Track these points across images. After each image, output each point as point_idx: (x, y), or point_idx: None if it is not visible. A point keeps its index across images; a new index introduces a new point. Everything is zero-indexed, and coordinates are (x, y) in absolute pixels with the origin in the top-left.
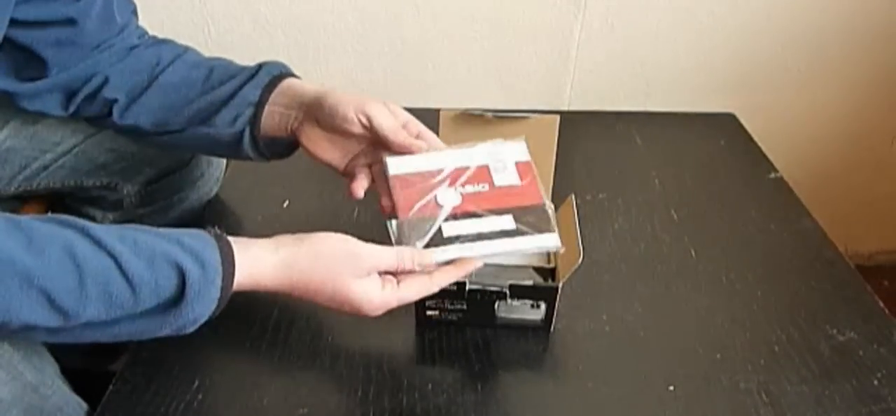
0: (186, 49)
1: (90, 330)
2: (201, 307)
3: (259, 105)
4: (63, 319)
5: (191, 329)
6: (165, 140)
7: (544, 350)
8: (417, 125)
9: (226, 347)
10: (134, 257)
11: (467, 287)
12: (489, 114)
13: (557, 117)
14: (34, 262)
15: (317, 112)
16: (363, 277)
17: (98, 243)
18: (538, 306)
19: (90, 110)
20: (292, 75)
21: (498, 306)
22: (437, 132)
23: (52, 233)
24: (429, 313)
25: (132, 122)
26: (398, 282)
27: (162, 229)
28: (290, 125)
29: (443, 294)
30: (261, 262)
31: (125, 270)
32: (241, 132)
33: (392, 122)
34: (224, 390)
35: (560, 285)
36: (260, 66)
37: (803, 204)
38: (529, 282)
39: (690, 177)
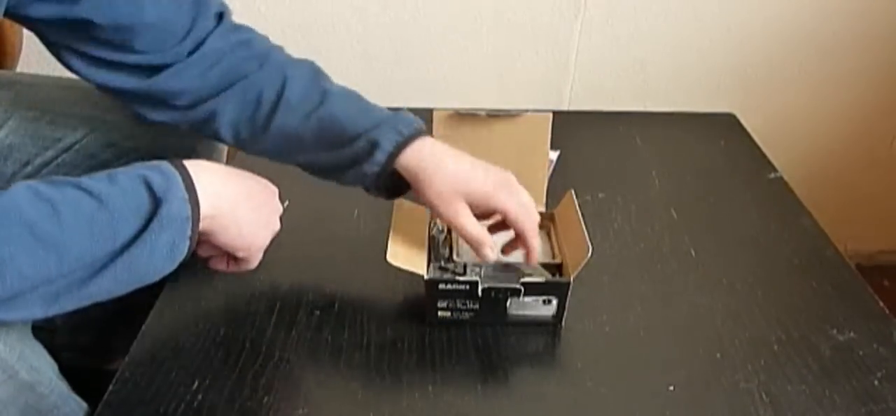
0: (284, 78)
1: (89, 285)
2: (177, 206)
3: (380, 175)
4: (54, 254)
5: (182, 245)
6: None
7: (545, 350)
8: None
9: (225, 347)
10: (93, 181)
11: (480, 286)
12: (482, 112)
13: (550, 115)
14: (2, 202)
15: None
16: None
17: (53, 181)
18: (550, 302)
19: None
20: (412, 137)
21: (510, 303)
22: (430, 132)
23: (8, 188)
24: (440, 313)
25: (248, 150)
26: None
27: None
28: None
29: (455, 294)
30: (196, 161)
31: (89, 190)
32: (368, 187)
33: (473, 227)
34: (224, 390)
35: (571, 279)
36: (374, 144)
37: (803, 204)
38: (542, 278)
39: (690, 177)
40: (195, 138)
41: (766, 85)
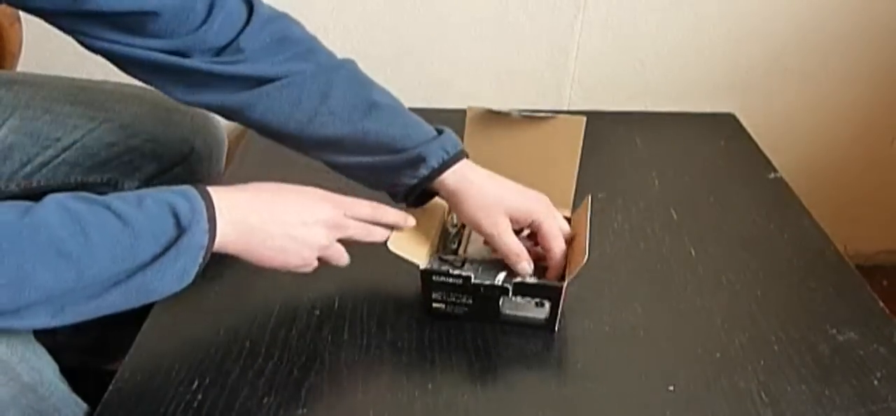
0: (328, 85)
1: (95, 300)
2: (198, 236)
3: (416, 188)
4: (75, 271)
5: (191, 270)
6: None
7: (544, 350)
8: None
9: (225, 347)
10: (122, 203)
11: (472, 281)
12: (516, 113)
13: (584, 119)
14: (34, 219)
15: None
16: (313, 196)
17: (86, 197)
18: (542, 305)
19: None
20: (455, 159)
21: (502, 302)
22: (463, 130)
23: (40, 202)
24: (434, 305)
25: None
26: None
27: None
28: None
29: (449, 288)
30: (226, 189)
31: (118, 213)
32: (396, 194)
33: (513, 243)
34: (224, 390)
35: (565, 284)
36: (423, 157)
37: (803, 204)
38: (533, 280)
39: (690, 177)
40: (194, 137)
41: (766, 85)
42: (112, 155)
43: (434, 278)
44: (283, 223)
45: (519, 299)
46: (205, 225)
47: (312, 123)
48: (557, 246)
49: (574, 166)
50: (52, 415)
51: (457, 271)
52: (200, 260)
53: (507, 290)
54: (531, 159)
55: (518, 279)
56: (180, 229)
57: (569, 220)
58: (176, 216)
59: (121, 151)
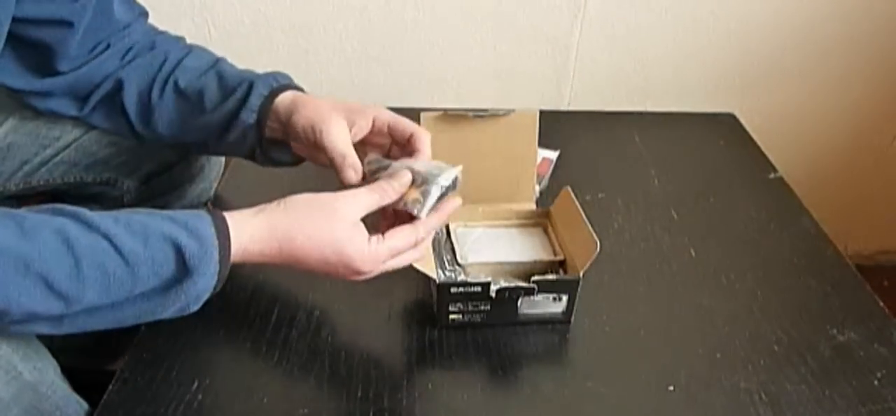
0: (188, 50)
1: (94, 317)
2: (203, 282)
3: (259, 126)
4: (64, 304)
5: (194, 307)
6: (193, 150)
7: (544, 350)
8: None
9: (226, 347)
10: (128, 235)
11: (493, 288)
12: (470, 113)
13: (536, 112)
14: (28, 247)
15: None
16: (346, 224)
17: (90, 225)
18: (559, 299)
19: (109, 121)
20: (286, 87)
21: (521, 303)
22: None
23: (43, 220)
24: (452, 316)
25: (153, 132)
26: (383, 237)
27: (157, 210)
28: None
29: (467, 297)
30: (246, 226)
31: (120, 248)
32: (254, 149)
33: (342, 142)
34: (224, 390)
35: (581, 275)
36: (250, 88)
37: (803, 204)
38: (553, 276)
39: (690, 177)
40: None
41: (766, 85)
42: (111, 154)
43: (452, 289)
44: (307, 268)
45: (537, 297)
46: (213, 269)
47: (171, 77)
48: (409, 125)
49: (533, 161)
50: (54, 414)
51: (473, 279)
52: (204, 299)
53: (531, 290)
54: (490, 157)
55: (537, 278)
56: (185, 274)
57: (538, 212)
58: (181, 258)
59: (120, 150)
